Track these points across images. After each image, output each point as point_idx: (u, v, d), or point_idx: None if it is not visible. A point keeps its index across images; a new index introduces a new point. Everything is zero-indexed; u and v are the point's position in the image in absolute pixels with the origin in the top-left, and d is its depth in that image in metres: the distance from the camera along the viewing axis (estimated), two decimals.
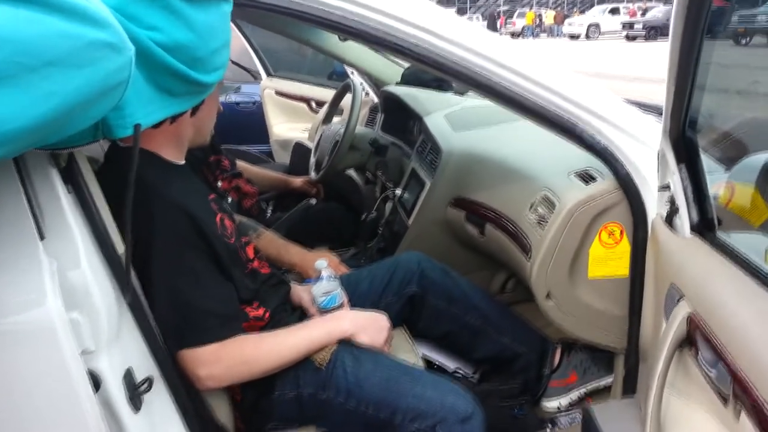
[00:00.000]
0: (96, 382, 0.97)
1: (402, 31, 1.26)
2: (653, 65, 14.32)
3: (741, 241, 1.00)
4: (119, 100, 0.86)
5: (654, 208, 1.31)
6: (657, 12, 28.56)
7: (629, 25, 28.02)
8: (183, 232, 1.17)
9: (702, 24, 0.83)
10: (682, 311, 0.94)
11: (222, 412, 1.27)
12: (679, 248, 1.09)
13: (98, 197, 1.03)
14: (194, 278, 1.18)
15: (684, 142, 1.05)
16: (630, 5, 35.14)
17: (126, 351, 1.05)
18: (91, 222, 0.99)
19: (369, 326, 1.37)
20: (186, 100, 1.11)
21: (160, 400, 1.12)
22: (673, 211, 1.12)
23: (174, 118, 1.18)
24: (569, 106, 1.31)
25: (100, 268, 0.99)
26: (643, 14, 30.25)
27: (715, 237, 1.04)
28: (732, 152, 1.37)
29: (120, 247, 1.06)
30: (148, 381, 1.06)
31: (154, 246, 1.15)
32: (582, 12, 38.75)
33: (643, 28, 26.62)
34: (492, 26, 32.77)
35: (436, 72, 1.32)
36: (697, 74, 0.92)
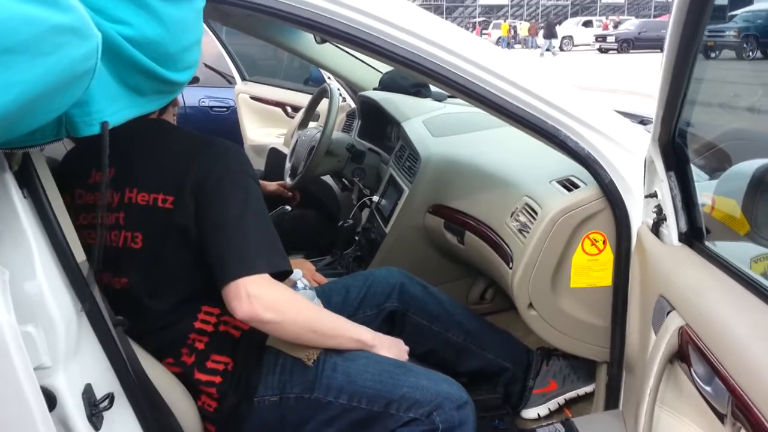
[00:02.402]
0: (51, 399, 0.91)
1: (384, 33, 1.22)
2: (626, 77, 14.59)
3: (729, 250, 0.98)
4: (84, 93, 0.80)
5: (638, 216, 1.29)
6: (629, 25, 29.12)
7: (602, 38, 28.48)
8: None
9: (701, 30, 0.80)
10: (673, 324, 0.90)
11: (191, 426, 1.21)
12: (666, 258, 1.06)
13: (56, 202, 0.97)
14: None
15: (674, 149, 1.02)
16: (603, 18, 35.77)
17: (85, 366, 0.99)
18: (48, 229, 0.93)
19: (392, 345, 1.36)
20: (154, 99, 1.04)
21: (122, 418, 1.06)
22: (660, 219, 1.09)
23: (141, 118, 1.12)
24: (552, 112, 1.28)
25: (57, 278, 0.93)
26: (616, 27, 30.79)
27: (704, 246, 1.01)
28: (714, 162, 1.36)
29: (80, 256, 1.00)
30: (109, 397, 1.00)
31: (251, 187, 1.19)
32: (556, 24, 39.37)
33: (615, 41, 27.08)
34: None
35: (418, 75, 1.28)
36: (691, 82, 0.90)
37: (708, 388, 0.77)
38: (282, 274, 1.21)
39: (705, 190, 1.16)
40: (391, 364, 1.30)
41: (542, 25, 31.90)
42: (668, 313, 0.95)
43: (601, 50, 27.68)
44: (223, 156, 1.20)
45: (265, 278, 1.15)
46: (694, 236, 1.03)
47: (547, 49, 26.94)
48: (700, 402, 0.82)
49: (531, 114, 1.28)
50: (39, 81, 0.68)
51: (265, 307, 1.14)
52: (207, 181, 1.16)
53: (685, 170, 1.04)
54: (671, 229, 1.07)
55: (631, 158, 1.28)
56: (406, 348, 1.39)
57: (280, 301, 1.17)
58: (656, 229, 1.13)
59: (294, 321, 1.20)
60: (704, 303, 0.85)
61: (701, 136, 1.37)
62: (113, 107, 0.91)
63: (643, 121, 1.77)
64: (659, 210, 1.10)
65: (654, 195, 1.12)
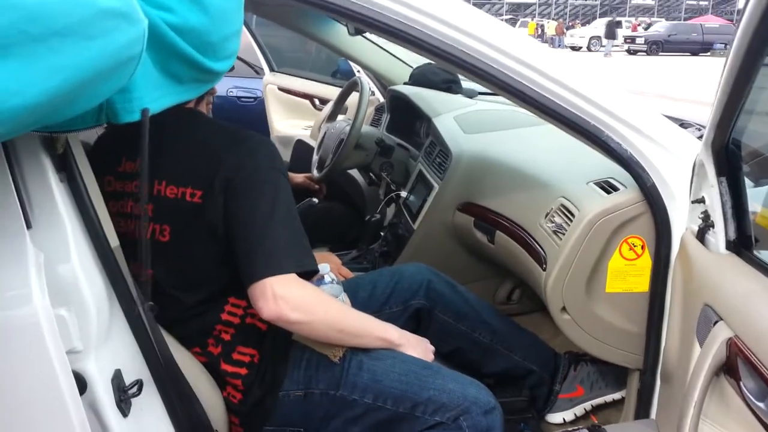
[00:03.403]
0: (82, 383, 0.91)
1: (425, 25, 1.20)
2: (655, 80, 14.38)
3: None
4: (129, 79, 0.79)
5: (680, 222, 1.25)
6: (659, 27, 28.69)
7: (631, 39, 28.09)
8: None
9: None
10: (720, 335, 0.87)
11: (216, 417, 1.20)
12: (713, 266, 1.02)
13: (92, 187, 0.96)
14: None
15: (727, 155, 0.98)
16: (632, 20, 35.28)
17: (116, 352, 0.99)
18: (83, 213, 0.92)
19: (418, 344, 1.34)
20: (193, 88, 1.04)
21: (150, 405, 1.06)
22: (707, 226, 1.05)
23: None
24: (596, 111, 1.25)
25: (91, 263, 0.93)
26: (646, 29, 30.34)
27: (753, 255, 0.97)
28: (760, 170, 1.32)
29: (114, 241, 0.99)
30: (138, 384, 1.00)
31: (281, 184, 1.18)
32: (584, 24, 38.90)
33: (644, 42, 26.69)
34: None
35: (459, 69, 1.25)
36: (752, 87, 0.86)
37: (761, 405, 0.74)
38: (309, 273, 1.20)
39: (750, 197, 1.13)
40: (418, 365, 1.28)
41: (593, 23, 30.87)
42: (715, 323, 0.91)
43: (629, 52, 27.31)
44: (254, 152, 1.18)
45: (291, 278, 1.14)
46: (742, 244, 0.99)
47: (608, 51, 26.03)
48: (749, 418, 0.79)
49: (573, 113, 1.25)
50: (86, 66, 0.67)
51: (292, 307, 1.13)
52: (237, 177, 1.15)
53: (737, 176, 1.00)
54: (718, 237, 1.03)
55: (676, 162, 1.24)
56: (432, 348, 1.37)
57: (306, 302, 1.16)
58: (702, 236, 1.09)
59: (321, 321, 1.19)
60: (756, 314, 0.81)
61: (748, 143, 1.33)
62: (154, 94, 0.91)
63: (683, 125, 1.72)
64: (706, 216, 1.06)
65: (701, 200, 1.08)
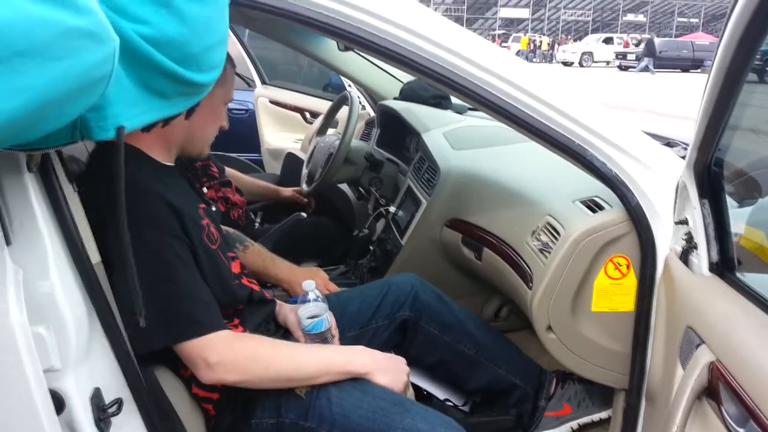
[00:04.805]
0: (60, 402, 0.90)
1: (411, 43, 1.20)
2: (645, 96, 14.49)
3: (762, 282, 0.94)
4: (99, 98, 0.77)
5: (664, 242, 1.25)
6: None
7: (622, 56, 28.37)
8: (172, 226, 1.13)
9: (750, 60, 0.77)
10: (702, 358, 0.87)
11: None
12: (696, 288, 1.02)
13: (74, 203, 0.95)
14: (191, 271, 1.15)
15: (709, 177, 0.98)
16: (624, 36, 35.64)
17: (95, 370, 0.97)
18: (64, 229, 0.91)
19: (389, 368, 1.28)
20: (178, 102, 1.01)
21: (130, 424, 1.04)
22: (690, 247, 1.06)
23: (166, 121, 1.09)
24: (580, 130, 1.25)
25: (71, 280, 0.92)
26: (637, 45, 30.62)
27: (736, 278, 0.97)
28: (744, 190, 1.32)
29: (95, 257, 0.98)
30: (118, 403, 0.99)
31: (145, 240, 1.09)
32: (576, 40, 39.25)
33: (636, 58, 26.94)
34: None
35: (445, 87, 1.25)
36: (734, 109, 0.86)
37: (741, 430, 0.73)
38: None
39: (734, 218, 1.13)
40: (389, 400, 1.22)
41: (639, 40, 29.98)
42: (697, 346, 0.91)
43: (621, 68, 27.55)
44: None
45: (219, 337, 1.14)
46: (725, 266, 1.00)
47: (646, 68, 24.66)
48: None
49: (558, 132, 1.25)
50: (51, 86, 0.65)
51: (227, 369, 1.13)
52: None
53: (719, 198, 1.00)
54: (701, 258, 1.03)
55: (660, 182, 1.24)
56: (406, 369, 1.31)
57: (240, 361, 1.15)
58: (685, 257, 1.09)
59: (262, 377, 1.17)
60: (738, 339, 0.81)
61: (732, 162, 1.34)
62: (131, 111, 0.88)
63: (669, 144, 1.73)
64: (689, 237, 1.06)
65: (685, 222, 1.09)
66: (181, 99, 1.00)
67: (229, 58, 1.28)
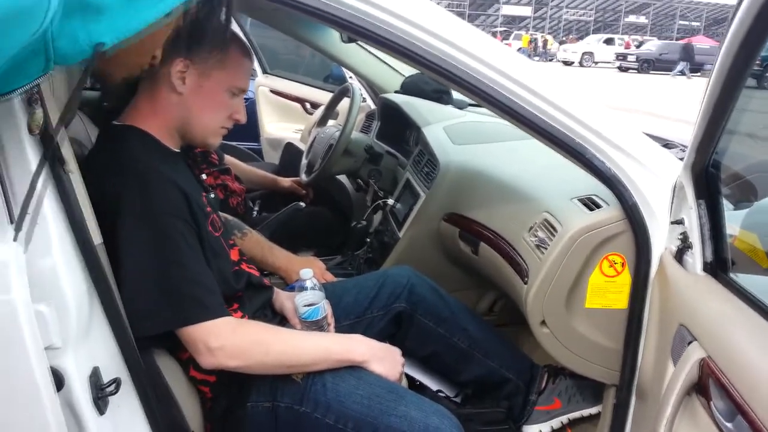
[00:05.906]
0: (59, 380, 0.91)
1: (415, 36, 1.20)
2: (644, 98, 14.49)
3: (754, 283, 0.96)
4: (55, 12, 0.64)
5: (660, 241, 1.26)
6: (651, 46, 28.98)
7: (623, 57, 28.35)
8: (181, 209, 1.13)
9: (751, 64, 0.78)
10: (694, 355, 0.88)
11: (193, 420, 1.20)
12: (690, 287, 1.04)
13: (77, 183, 0.96)
14: (198, 255, 1.15)
15: (706, 178, 1.00)
16: (625, 37, 35.66)
17: (94, 349, 0.98)
18: (68, 209, 0.92)
19: (385, 357, 1.29)
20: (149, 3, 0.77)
21: (128, 404, 1.06)
22: (685, 247, 1.07)
23: (153, 96, 1.09)
24: (580, 129, 1.26)
25: (73, 259, 0.92)
26: (638, 47, 30.63)
27: (729, 278, 0.99)
28: (740, 193, 1.34)
29: (97, 238, 0.99)
30: (116, 383, 1.00)
31: (154, 220, 1.10)
32: (579, 39, 39.25)
33: (636, 60, 26.94)
34: None
35: (447, 82, 1.26)
36: (733, 112, 0.88)
37: (729, 425, 0.75)
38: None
39: (729, 220, 1.15)
40: (383, 387, 1.24)
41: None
42: (689, 343, 0.93)
43: (621, 69, 27.55)
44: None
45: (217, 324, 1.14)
46: (719, 267, 1.01)
47: (681, 72, 23.90)
48: None
49: (558, 130, 1.26)
50: None
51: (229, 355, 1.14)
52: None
53: (716, 200, 1.01)
54: (696, 258, 1.04)
55: (658, 182, 1.25)
56: (401, 360, 1.33)
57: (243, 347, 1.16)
58: (680, 256, 1.11)
59: (262, 363, 1.18)
60: (729, 337, 0.83)
61: (728, 165, 1.36)
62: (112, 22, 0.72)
63: (668, 145, 1.74)
64: (685, 237, 1.08)
65: (680, 222, 1.10)
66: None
67: (241, 45, 1.28)
